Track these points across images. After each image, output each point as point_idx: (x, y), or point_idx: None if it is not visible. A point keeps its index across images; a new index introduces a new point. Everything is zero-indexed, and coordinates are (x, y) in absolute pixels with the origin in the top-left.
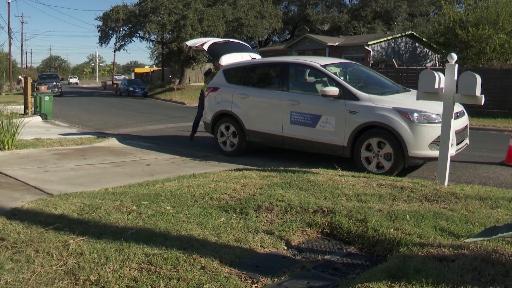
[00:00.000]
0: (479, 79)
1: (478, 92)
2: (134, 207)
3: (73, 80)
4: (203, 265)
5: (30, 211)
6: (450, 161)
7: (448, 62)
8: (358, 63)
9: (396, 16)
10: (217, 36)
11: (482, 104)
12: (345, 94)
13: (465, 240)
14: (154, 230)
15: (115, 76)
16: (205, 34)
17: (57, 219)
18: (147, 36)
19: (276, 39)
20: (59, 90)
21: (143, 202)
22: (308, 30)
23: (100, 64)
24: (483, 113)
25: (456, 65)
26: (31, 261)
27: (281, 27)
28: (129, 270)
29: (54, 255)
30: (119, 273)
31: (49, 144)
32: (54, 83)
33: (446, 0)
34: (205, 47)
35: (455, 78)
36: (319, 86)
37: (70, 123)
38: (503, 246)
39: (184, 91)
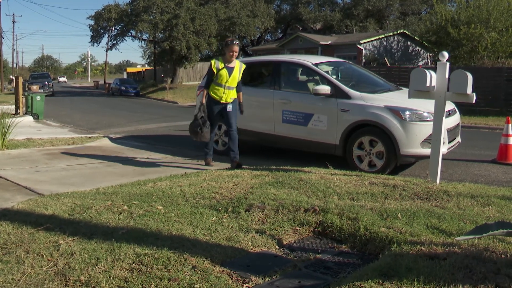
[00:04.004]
0: (470, 77)
1: (469, 90)
2: (125, 207)
3: (62, 79)
4: (194, 264)
5: (20, 211)
6: (442, 159)
7: (440, 60)
8: (350, 62)
9: (388, 15)
10: (209, 35)
11: (474, 102)
12: (337, 93)
13: (457, 238)
14: (145, 230)
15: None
16: (197, 34)
17: (48, 219)
18: (139, 35)
19: (269, 38)
20: (51, 89)
21: (134, 202)
22: (301, 29)
23: (92, 64)
24: (475, 111)
25: (448, 64)
26: (21, 262)
27: (274, 26)
28: (120, 270)
29: (44, 256)
30: (109, 273)
31: (41, 144)
32: (46, 82)
33: None
34: None
35: (447, 76)
36: (311, 85)
37: (62, 123)
38: (494, 244)
39: (177, 90)
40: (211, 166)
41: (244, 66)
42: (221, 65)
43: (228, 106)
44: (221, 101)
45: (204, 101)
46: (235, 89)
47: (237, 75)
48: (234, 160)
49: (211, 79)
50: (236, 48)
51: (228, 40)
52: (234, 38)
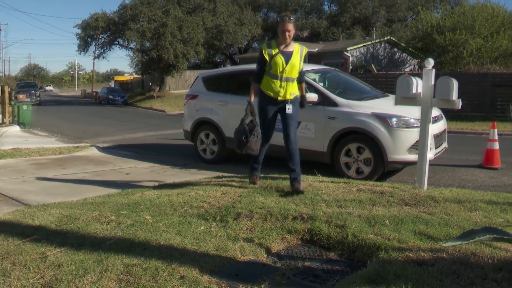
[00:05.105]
0: (455, 83)
1: (455, 96)
2: (113, 217)
3: (48, 88)
4: (182, 274)
5: (6, 222)
6: (429, 165)
7: (425, 67)
8: (337, 69)
9: (375, 22)
10: (197, 44)
11: (459, 108)
12: (324, 100)
13: (444, 245)
14: (133, 240)
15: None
16: (184, 42)
17: (34, 230)
18: (127, 43)
19: (256, 45)
20: (38, 98)
21: (122, 212)
22: None
23: (80, 72)
24: (461, 117)
25: (433, 70)
26: (7, 275)
27: (261, 34)
28: (108, 281)
29: (31, 268)
30: (97, 285)
31: (28, 154)
32: (33, 91)
33: (424, 6)
34: None
35: (432, 83)
36: None
37: (49, 132)
38: (481, 249)
39: (164, 99)
40: (255, 185)
41: (306, 50)
42: (274, 50)
43: (288, 106)
44: (278, 99)
45: (252, 99)
46: (295, 81)
47: (297, 62)
48: (294, 184)
49: (263, 69)
50: (290, 26)
51: (278, 17)
52: (286, 14)
